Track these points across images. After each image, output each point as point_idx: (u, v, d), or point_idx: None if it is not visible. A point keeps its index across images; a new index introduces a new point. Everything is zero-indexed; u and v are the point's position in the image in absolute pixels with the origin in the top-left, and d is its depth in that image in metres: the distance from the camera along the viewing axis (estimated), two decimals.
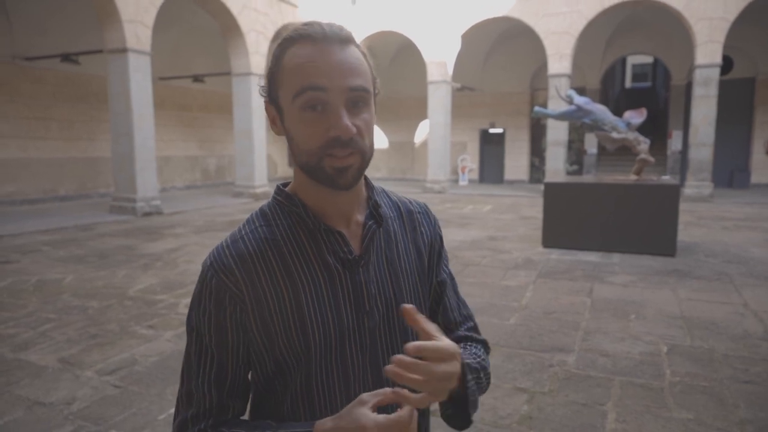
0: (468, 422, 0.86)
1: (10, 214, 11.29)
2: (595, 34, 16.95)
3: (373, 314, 0.84)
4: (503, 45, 19.40)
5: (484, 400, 3.01)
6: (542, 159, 17.97)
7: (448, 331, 0.96)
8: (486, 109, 20.62)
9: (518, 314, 4.64)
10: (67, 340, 4.00)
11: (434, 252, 0.97)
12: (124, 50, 10.82)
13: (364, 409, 0.71)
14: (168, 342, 3.98)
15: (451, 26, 16.31)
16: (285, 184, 0.89)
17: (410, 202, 0.98)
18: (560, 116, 7.58)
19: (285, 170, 22.72)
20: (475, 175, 20.98)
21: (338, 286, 0.82)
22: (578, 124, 7.55)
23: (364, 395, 0.73)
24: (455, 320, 0.98)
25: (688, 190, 13.59)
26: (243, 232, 0.84)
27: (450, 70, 16.83)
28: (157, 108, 11.79)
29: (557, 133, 15.37)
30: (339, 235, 0.83)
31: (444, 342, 0.72)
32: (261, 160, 15.01)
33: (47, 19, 12.66)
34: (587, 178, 8.71)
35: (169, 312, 4.68)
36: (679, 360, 3.62)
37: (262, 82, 0.81)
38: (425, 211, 1.00)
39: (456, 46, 16.57)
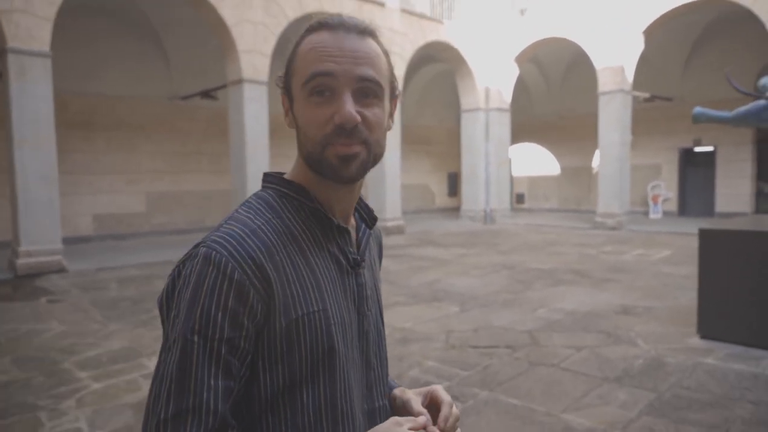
0: None
1: (148, 245, 11.93)
2: None
3: (368, 317, 0.84)
4: (711, 40, 15.10)
5: None
6: None
7: None
8: (688, 122, 16.16)
9: None
10: None
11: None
12: (239, 81, 10.68)
13: (404, 428, 0.74)
14: None
15: (629, 22, 13.07)
16: (278, 174, 0.82)
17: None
18: (735, 119, 4.65)
19: (444, 201, 21.19)
20: (673, 206, 16.61)
21: (348, 286, 0.80)
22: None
23: (398, 418, 0.76)
24: None
25: None
26: (258, 222, 0.73)
27: (629, 77, 13.50)
28: (275, 137, 11.38)
29: None
30: (348, 234, 0.81)
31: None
32: (394, 190, 13.79)
33: (199, 59, 13.46)
34: None
35: (77, 392, 3.46)
36: None
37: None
38: (379, 228, 0.98)
39: (637, 47, 13.23)
